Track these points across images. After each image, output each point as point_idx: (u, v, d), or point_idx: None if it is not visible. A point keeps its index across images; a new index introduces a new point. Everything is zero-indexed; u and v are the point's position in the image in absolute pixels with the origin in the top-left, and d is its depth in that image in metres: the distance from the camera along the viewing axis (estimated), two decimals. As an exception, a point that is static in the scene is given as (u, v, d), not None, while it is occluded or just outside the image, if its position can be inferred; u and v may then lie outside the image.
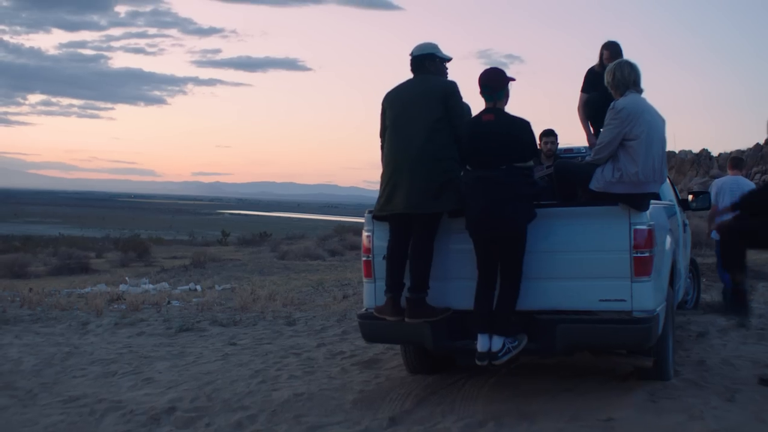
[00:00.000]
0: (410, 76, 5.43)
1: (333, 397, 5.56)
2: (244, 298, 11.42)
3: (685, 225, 7.85)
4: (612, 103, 5.05)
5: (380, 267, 5.35)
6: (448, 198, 5.04)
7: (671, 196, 7.15)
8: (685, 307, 8.37)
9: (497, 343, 4.81)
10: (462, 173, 5.15)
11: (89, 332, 9.14)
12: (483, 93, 5.04)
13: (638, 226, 4.74)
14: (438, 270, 5.15)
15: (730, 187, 8.90)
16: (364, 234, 5.53)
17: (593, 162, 5.10)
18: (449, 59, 5.47)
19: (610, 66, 5.20)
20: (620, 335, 4.76)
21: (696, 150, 43.92)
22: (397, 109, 5.32)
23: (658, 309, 4.83)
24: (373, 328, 5.40)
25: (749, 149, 40.95)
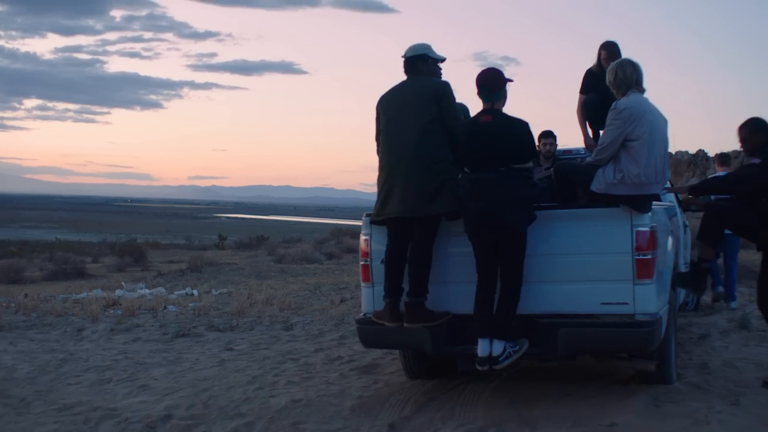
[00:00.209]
0: (405, 78, 5.37)
1: (331, 403, 5.49)
2: (241, 303, 11.35)
3: (685, 226, 7.80)
4: (614, 103, 4.97)
5: (378, 271, 5.27)
6: (443, 200, 4.97)
7: (671, 197, 7.09)
8: (686, 308, 8.32)
9: (498, 347, 4.74)
10: (460, 175, 5.08)
11: (84, 338, 9.06)
12: (480, 94, 4.98)
13: (640, 228, 4.68)
14: (437, 274, 5.08)
15: None
16: (362, 238, 5.46)
17: (594, 163, 5.03)
18: (442, 59, 5.41)
19: (612, 65, 5.13)
20: (623, 339, 4.69)
21: (692, 151, 43.88)
22: (391, 112, 5.25)
23: (660, 312, 4.77)
24: (371, 333, 5.33)
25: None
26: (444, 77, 5.40)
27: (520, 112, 4.90)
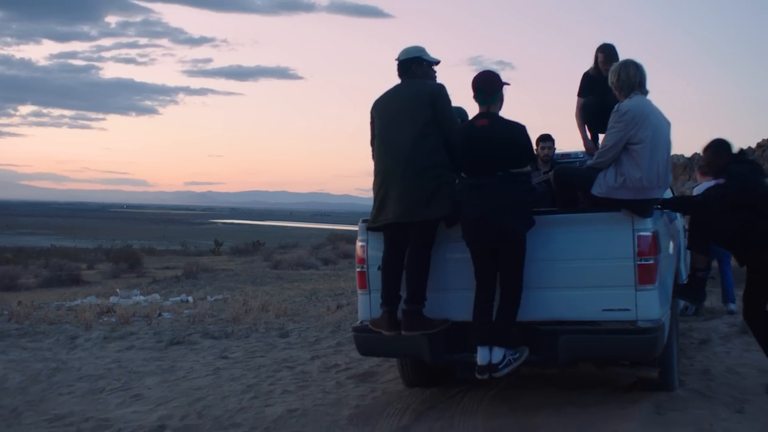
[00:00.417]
0: (399, 81, 5.28)
1: (328, 413, 5.39)
2: (237, 310, 11.24)
3: (685, 230, 7.71)
4: (616, 106, 4.88)
5: (375, 278, 5.18)
6: (440, 204, 4.87)
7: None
8: (686, 313, 8.23)
9: (498, 354, 4.65)
10: (456, 180, 4.99)
11: (77, 347, 8.94)
12: (476, 97, 4.88)
13: (642, 233, 4.59)
14: (435, 280, 4.98)
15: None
16: (358, 244, 5.37)
17: (595, 166, 4.93)
18: (437, 62, 5.32)
19: (615, 66, 5.04)
20: (625, 346, 4.61)
21: (688, 154, 43.82)
22: (386, 117, 5.16)
23: (663, 318, 4.68)
24: (368, 341, 5.23)
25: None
26: (438, 81, 5.31)
27: (515, 117, 4.80)
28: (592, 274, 4.67)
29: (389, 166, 5.05)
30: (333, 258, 27.89)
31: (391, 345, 5.09)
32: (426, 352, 4.96)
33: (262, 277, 21.00)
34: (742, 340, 6.99)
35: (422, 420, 5.03)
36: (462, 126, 5.05)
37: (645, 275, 4.56)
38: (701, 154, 5.56)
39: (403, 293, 4.98)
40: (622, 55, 6.44)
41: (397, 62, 5.26)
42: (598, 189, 4.83)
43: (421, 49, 5.25)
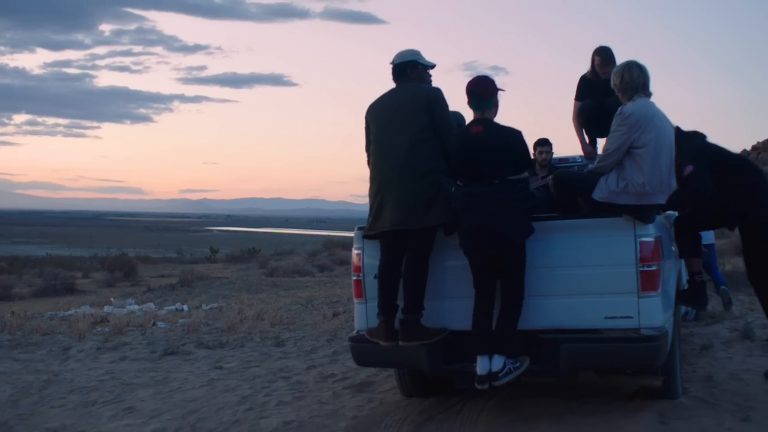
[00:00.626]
0: (394, 86, 5.18)
1: (324, 424, 5.27)
2: (231, 318, 11.11)
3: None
4: (620, 108, 4.78)
5: (371, 287, 5.07)
6: (437, 211, 4.77)
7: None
8: (687, 318, 8.14)
9: (498, 362, 4.54)
10: (453, 188, 4.88)
11: (70, 358, 8.81)
12: (471, 102, 4.78)
13: (644, 239, 4.49)
14: (433, 289, 4.87)
15: None
16: (354, 252, 5.25)
17: (597, 170, 4.83)
18: (432, 66, 5.23)
19: (618, 68, 4.94)
20: (628, 354, 4.50)
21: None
22: (381, 122, 5.06)
23: (666, 325, 4.58)
24: (365, 351, 5.12)
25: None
26: (432, 83, 5.22)
27: (511, 122, 4.74)
28: (593, 281, 4.56)
29: (385, 173, 4.95)
30: (329, 265, 27.78)
31: (389, 355, 4.98)
32: (424, 362, 4.84)
33: (258, 285, 20.87)
34: (743, 345, 6.89)
35: (421, 431, 4.92)
36: (457, 133, 4.94)
37: (647, 282, 4.46)
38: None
39: (401, 302, 4.87)
40: (618, 59, 6.37)
41: (392, 66, 5.17)
42: (600, 194, 4.73)
43: (416, 53, 5.16)
